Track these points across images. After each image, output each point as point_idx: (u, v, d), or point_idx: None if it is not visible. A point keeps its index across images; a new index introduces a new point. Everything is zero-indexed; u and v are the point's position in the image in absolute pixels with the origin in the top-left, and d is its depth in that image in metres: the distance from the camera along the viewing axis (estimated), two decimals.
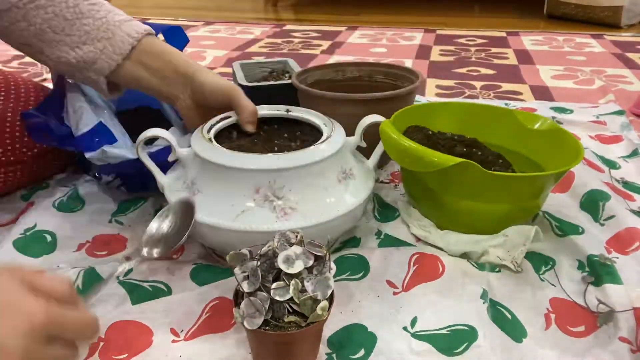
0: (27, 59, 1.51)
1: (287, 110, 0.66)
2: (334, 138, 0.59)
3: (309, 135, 0.63)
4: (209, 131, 0.60)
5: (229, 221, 0.53)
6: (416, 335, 0.50)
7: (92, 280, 0.56)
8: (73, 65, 0.61)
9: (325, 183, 0.57)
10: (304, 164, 0.54)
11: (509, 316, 0.53)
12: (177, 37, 0.81)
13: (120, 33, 0.61)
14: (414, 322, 0.51)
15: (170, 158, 0.60)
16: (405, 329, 0.51)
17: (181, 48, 0.79)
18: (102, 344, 0.49)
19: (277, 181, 0.54)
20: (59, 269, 0.59)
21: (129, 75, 0.63)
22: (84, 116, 0.67)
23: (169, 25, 0.80)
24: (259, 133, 0.64)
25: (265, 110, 0.66)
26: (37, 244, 0.63)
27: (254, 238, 0.51)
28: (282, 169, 0.54)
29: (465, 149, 0.67)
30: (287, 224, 0.53)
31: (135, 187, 0.73)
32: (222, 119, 0.63)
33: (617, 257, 0.61)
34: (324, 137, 0.59)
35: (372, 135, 0.63)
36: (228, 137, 0.62)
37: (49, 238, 0.64)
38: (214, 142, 0.57)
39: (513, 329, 0.51)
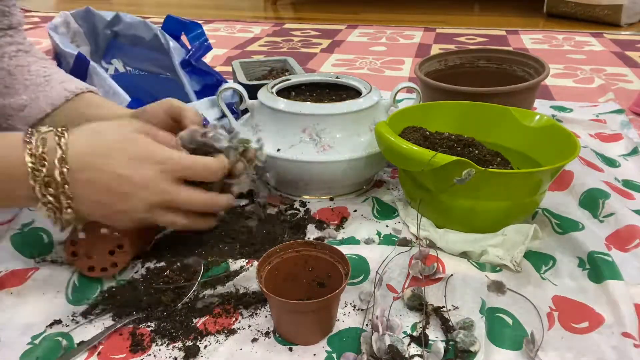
0: None
1: (337, 77, 0.81)
2: (369, 97, 0.73)
3: (353, 97, 0.75)
4: (272, 87, 0.76)
5: (282, 152, 0.69)
6: (416, 341, 0.49)
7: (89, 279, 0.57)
8: None
9: (358, 130, 0.71)
10: (340, 112, 0.70)
11: (510, 321, 0.52)
12: (196, 34, 0.83)
13: (57, 87, 0.62)
14: (413, 327, 0.51)
15: (242, 107, 0.77)
16: (405, 333, 0.51)
17: (201, 47, 0.81)
18: (101, 347, 0.49)
19: (320, 124, 0.70)
20: (59, 264, 0.59)
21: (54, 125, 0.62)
22: (112, 99, 0.68)
23: (191, 21, 0.81)
24: (312, 94, 0.79)
25: (317, 76, 0.82)
26: (34, 241, 0.63)
27: (298, 166, 0.69)
28: (323, 114, 0.69)
29: (462, 149, 0.67)
30: (325, 157, 0.69)
31: None
32: (282, 81, 0.78)
33: (611, 251, 0.61)
34: (361, 95, 0.74)
35: None
36: (287, 95, 0.78)
37: (45, 238, 0.64)
38: (276, 95, 0.73)
39: (513, 334, 0.50)
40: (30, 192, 0.47)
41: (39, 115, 0.63)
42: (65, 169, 0.46)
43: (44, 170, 0.46)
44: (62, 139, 0.47)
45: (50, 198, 0.47)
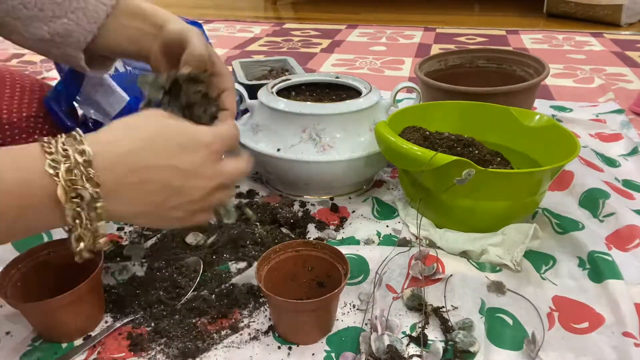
0: (26, 58, 1.50)
1: (337, 77, 0.81)
2: (369, 97, 0.73)
3: (353, 97, 0.75)
4: (272, 87, 0.76)
5: (282, 152, 0.70)
6: (415, 341, 0.49)
7: None
8: (48, 40, 0.56)
9: (358, 130, 0.71)
10: (340, 112, 0.70)
11: (510, 321, 0.52)
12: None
13: (93, 1, 0.56)
14: (412, 328, 0.51)
15: (242, 107, 0.77)
16: (404, 333, 0.51)
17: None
18: (100, 346, 0.49)
19: (320, 124, 0.70)
20: None
21: (106, 45, 0.57)
22: (111, 98, 0.68)
23: (191, 20, 0.81)
24: (312, 94, 0.80)
25: (317, 76, 0.82)
26: (33, 241, 0.63)
27: (299, 166, 0.69)
28: (323, 114, 0.70)
29: (462, 149, 0.67)
30: (325, 157, 0.69)
31: None
32: (282, 81, 0.79)
33: (612, 251, 0.61)
34: (361, 95, 0.74)
35: None
36: (287, 95, 0.78)
37: (45, 238, 0.64)
38: (276, 94, 0.74)
39: (513, 334, 0.50)
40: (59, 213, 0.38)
41: (87, 39, 0.56)
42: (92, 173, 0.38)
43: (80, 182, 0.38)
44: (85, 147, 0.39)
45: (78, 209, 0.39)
